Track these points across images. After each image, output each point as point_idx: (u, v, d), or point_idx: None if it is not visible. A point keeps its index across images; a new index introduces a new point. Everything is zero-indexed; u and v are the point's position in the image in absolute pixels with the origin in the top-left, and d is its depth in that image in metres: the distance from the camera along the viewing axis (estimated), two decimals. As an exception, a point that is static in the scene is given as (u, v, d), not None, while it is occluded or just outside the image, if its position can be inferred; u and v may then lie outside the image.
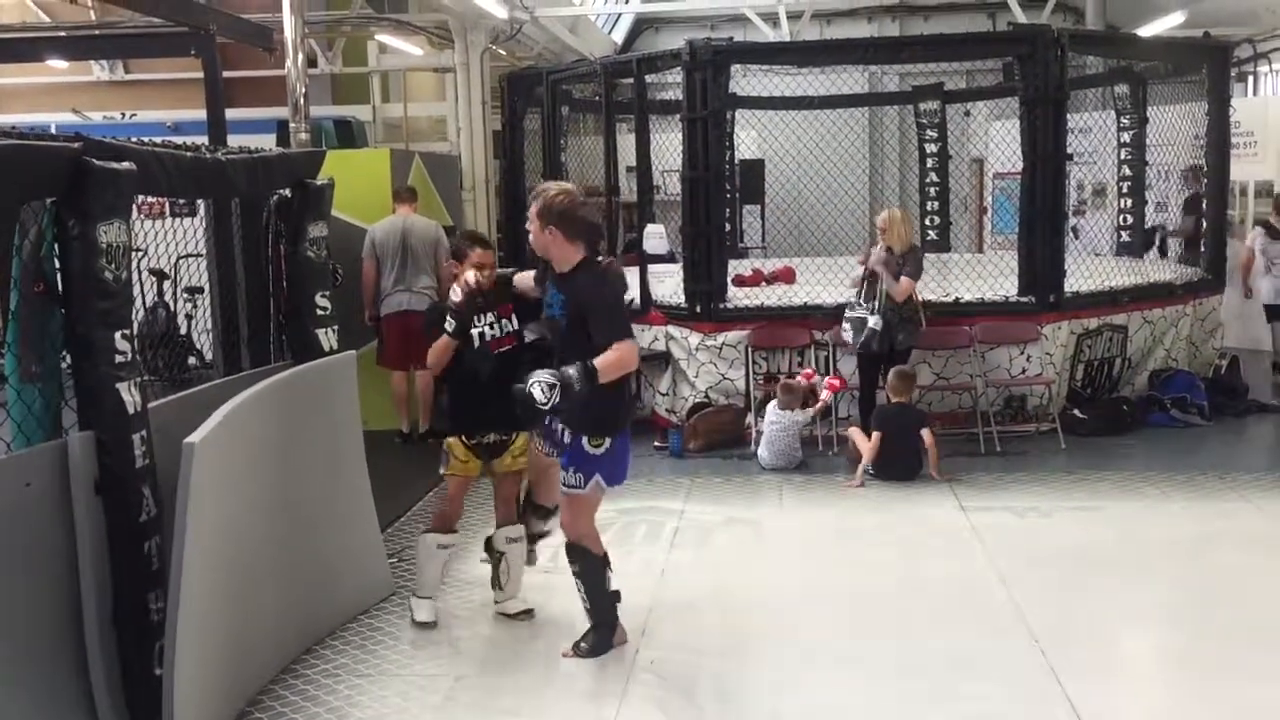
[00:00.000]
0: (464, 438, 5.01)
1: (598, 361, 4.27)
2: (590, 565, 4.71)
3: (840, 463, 7.84)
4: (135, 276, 10.33)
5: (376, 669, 4.68)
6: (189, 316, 11.56)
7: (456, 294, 4.83)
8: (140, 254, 10.43)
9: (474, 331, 4.90)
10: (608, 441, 4.56)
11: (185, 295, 11.24)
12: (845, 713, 4.20)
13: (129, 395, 3.72)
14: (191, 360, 11.65)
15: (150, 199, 13.19)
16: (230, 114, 8.90)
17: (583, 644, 4.73)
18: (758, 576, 5.71)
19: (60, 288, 3.63)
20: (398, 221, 8.76)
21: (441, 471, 5.09)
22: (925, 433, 7.33)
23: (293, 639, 4.76)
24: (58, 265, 3.62)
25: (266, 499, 4.42)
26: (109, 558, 3.66)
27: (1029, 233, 8.65)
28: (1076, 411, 8.59)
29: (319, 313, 5.31)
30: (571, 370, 4.24)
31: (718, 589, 5.53)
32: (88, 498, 3.60)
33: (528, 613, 5.15)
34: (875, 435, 7.34)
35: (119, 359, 3.70)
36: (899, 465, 7.38)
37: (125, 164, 3.72)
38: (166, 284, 11.45)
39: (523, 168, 10.96)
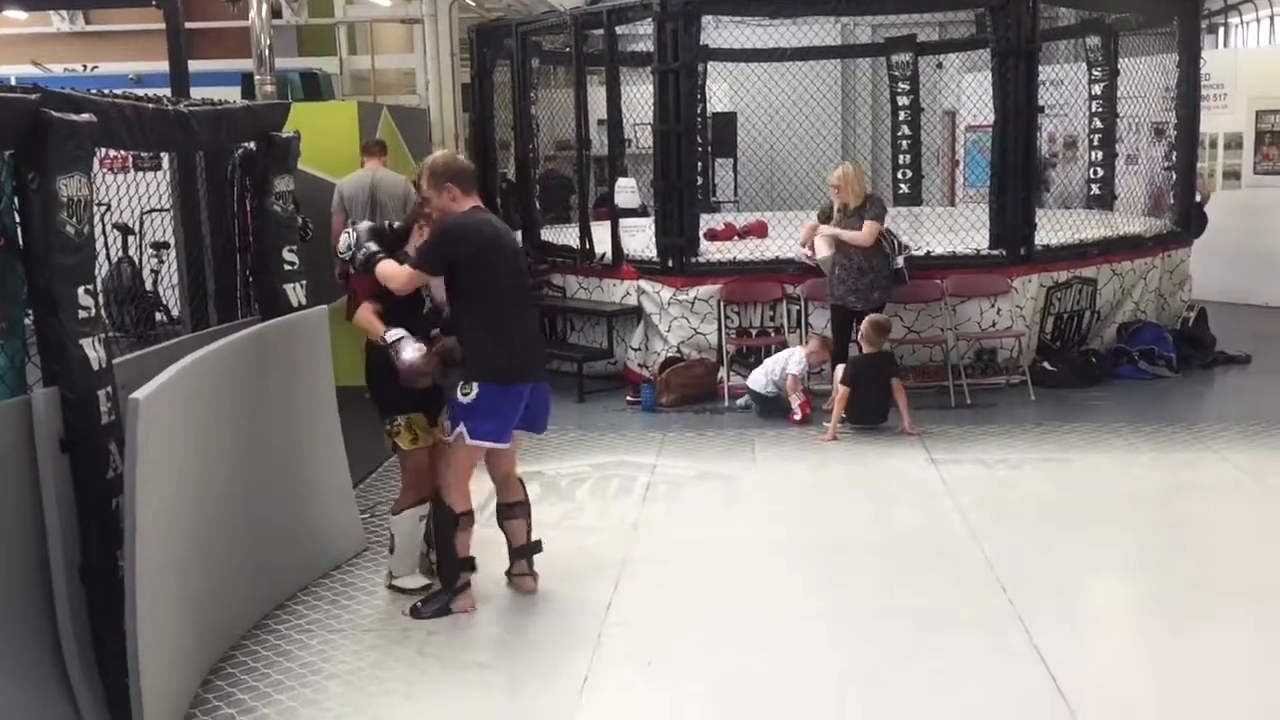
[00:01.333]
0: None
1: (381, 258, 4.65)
2: (443, 519, 4.67)
3: (814, 417, 7.86)
4: (99, 231, 10.22)
5: (349, 624, 4.68)
6: (155, 272, 11.45)
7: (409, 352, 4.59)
8: (104, 209, 10.32)
9: None
10: (475, 389, 4.52)
11: (151, 251, 11.14)
12: (816, 666, 4.23)
13: (93, 351, 3.66)
14: (159, 316, 11.57)
15: (113, 153, 12.99)
16: (194, 66, 8.73)
17: (419, 604, 4.73)
18: (729, 531, 5.73)
19: (21, 242, 3.56)
20: (366, 175, 8.67)
21: (406, 447, 4.82)
22: (895, 383, 7.37)
23: (265, 594, 4.75)
24: (18, 219, 3.54)
25: (231, 455, 4.38)
26: (76, 514, 3.62)
27: (1000, 186, 8.65)
28: (1046, 364, 8.65)
29: (286, 267, 5.25)
30: (369, 244, 4.68)
31: (690, 543, 5.55)
32: (53, 454, 3.55)
33: (427, 587, 4.90)
34: (844, 390, 7.36)
35: (82, 314, 3.64)
36: (871, 410, 7.43)
37: (85, 116, 3.64)
38: (131, 239, 11.34)
39: (492, 121, 10.84)
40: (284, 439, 4.92)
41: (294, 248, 5.30)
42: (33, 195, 3.52)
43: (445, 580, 4.74)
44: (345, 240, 4.84)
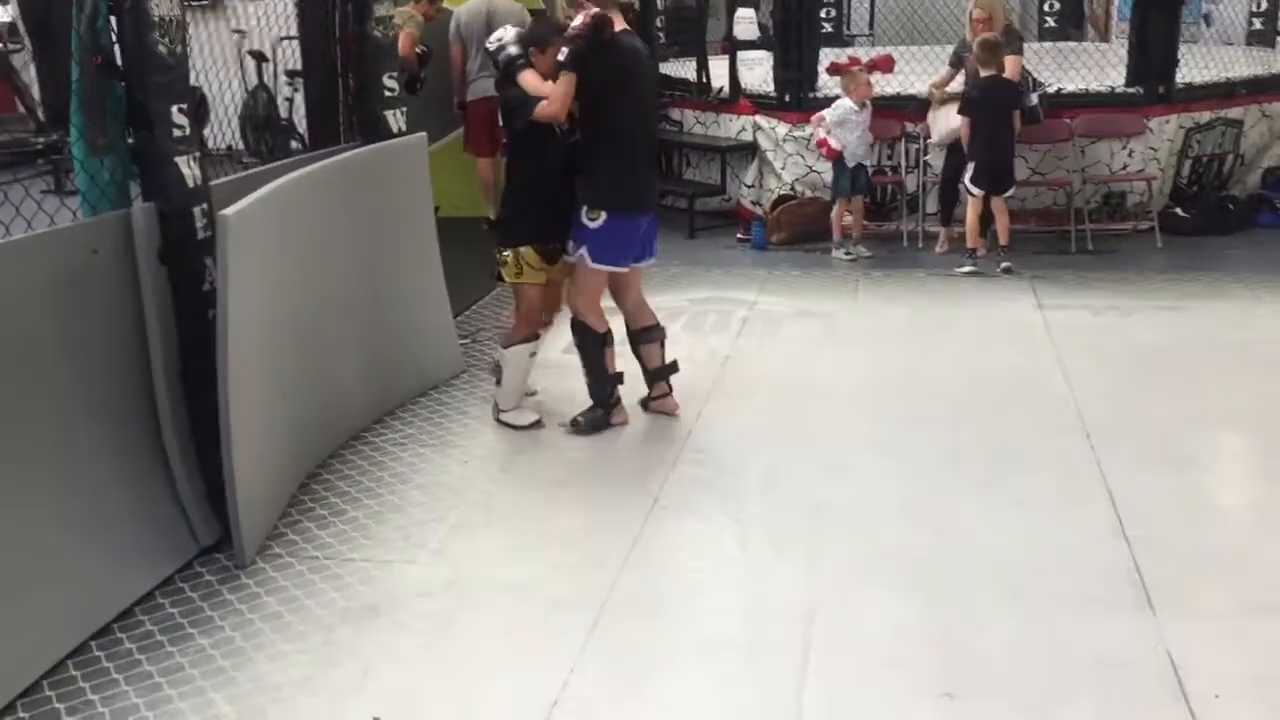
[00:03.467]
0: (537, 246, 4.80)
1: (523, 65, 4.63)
2: (586, 341, 4.83)
3: (925, 258, 7.74)
4: (235, 58, 10.31)
5: (441, 440, 4.91)
6: (289, 100, 11.73)
7: (577, 21, 4.54)
8: (240, 36, 10.54)
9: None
10: (603, 216, 4.65)
11: (286, 79, 11.39)
12: (881, 494, 4.29)
13: (188, 169, 3.84)
14: (294, 144, 11.91)
15: (249, -20, 12.97)
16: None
17: (580, 418, 4.89)
18: (820, 367, 5.76)
19: (118, 61, 3.72)
20: (481, 5, 8.63)
21: (511, 280, 4.87)
22: (997, 204, 7.20)
23: (363, 408, 5.01)
24: (114, 39, 3.70)
25: (327, 274, 4.58)
26: (175, 322, 3.86)
27: (1141, 19, 8.15)
28: (1179, 210, 8.26)
29: (386, 94, 5.34)
30: (512, 47, 4.65)
31: (775, 377, 5.60)
32: (152, 265, 3.78)
33: (537, 423, 4.98)
34: (965, 120, 7.23)
35: (177, 132, 3.81)
36: (995, 153, 7.24)
37: (176, -65, 3.74)
38: (266, 67, 11.60)
39: (617, -52, 10.59)
40: (382, 261, 5.10)
41: (394, 74, 5.38)
42: (126, 15, 3.65)
43: (597, 397, 4.91)
44: (499, 34, 4.77)
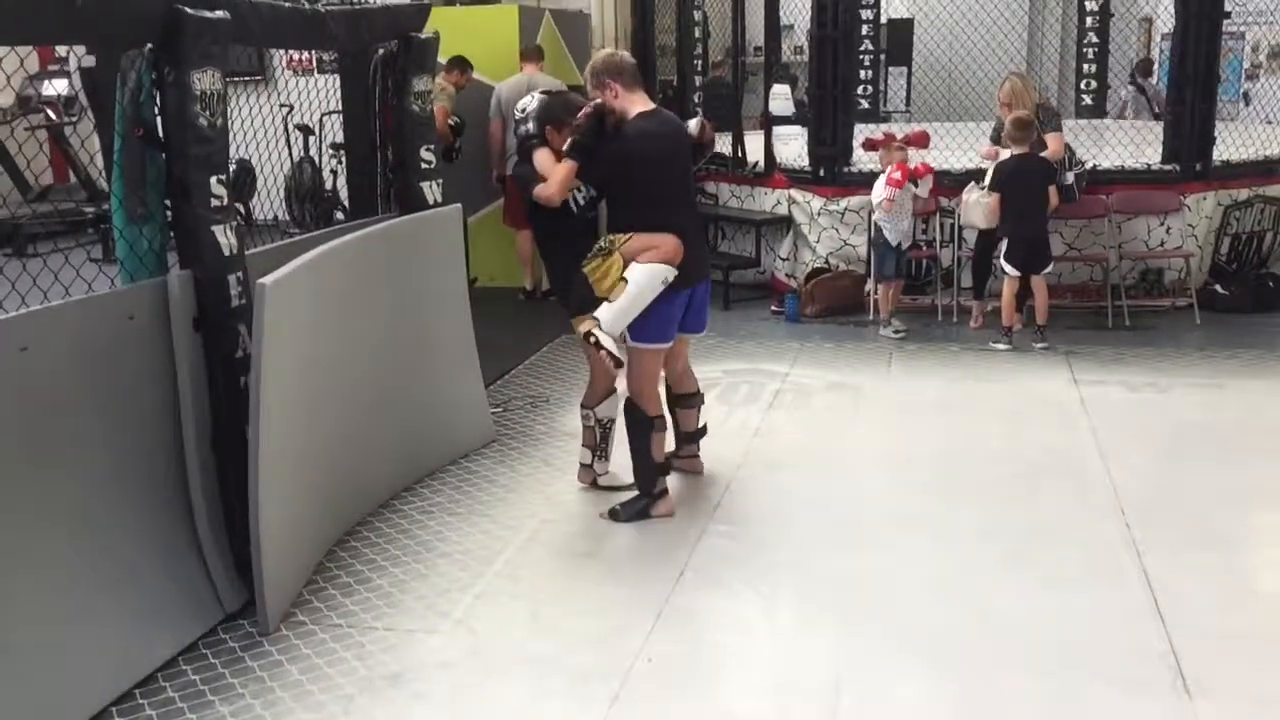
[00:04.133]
0: None
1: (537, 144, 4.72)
2: (637, 424, 4.73)
3: (958, 332, 7.70)
4: (281, 131, 10.48)
5: (468, 509, 4.91)
6: (334, 172, 11.96)
7: (581, 113, 4.57)
8: (288, 110, 10.78)
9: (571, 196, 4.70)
10: None
11: (331, 151, 11.64)
12: (910, 569, 4.23)
13: (224, 238, 3.92)
14: (338, 214, 12.12)
15: (297, 55, 13.40)
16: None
17: (619, 508, 4.79)
18: (851, 440, 5.72)
19: (159, 133, 3.82)
20: (523, 80, 8.80)
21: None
22: (1037, 281, 7.16)
23: (392, 477, 5.02)
24: (156, 111, 3.80)
25: (361, 343, 4.62)
26: (208, 390, 3.91)
27: (1177, 96, 8.16)
28: (1218, 287, 8.21)
29: (423, 166, 5.44)
30: (530, 124, 4.74)
31: (806, 449, 5.57)
32: (187, 333, 3.84)
33: (627, 487, 4.92)
34: (994, 196, 7.21)
35: (214, 202, 3.89)
36: (1025, 243, 7.20)
37: (219, 13, 3.85)
38: (312, 140, 11.86)
39: (653, 26, 10.79)
40: (415, 331, 5.15)
41: (431, 147, 5.48)
42: (169, 88, 3.76)
43: (643, 485, 4.79)
44: (522, 104, 4.81)
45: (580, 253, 4.60)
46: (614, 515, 4.78)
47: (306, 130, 11.61)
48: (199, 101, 3.80)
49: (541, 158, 4.67)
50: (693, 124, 4.88)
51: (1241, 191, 8.36)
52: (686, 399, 5.14)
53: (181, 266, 3.89)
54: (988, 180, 7.42)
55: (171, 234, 3.91)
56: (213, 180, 3.88)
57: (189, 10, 3.72)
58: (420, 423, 5.20)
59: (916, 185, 7.62)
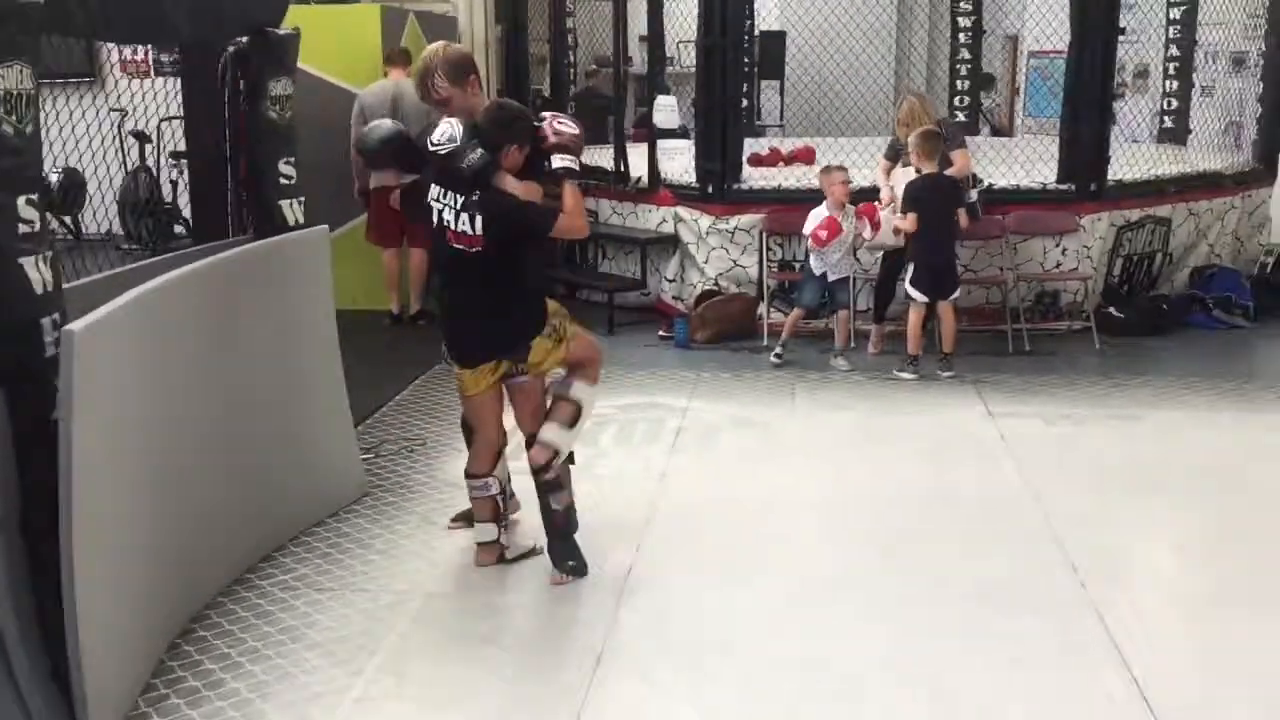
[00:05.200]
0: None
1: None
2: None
3: (860, 360, 7.29)
4: (114, 138, 9.48)
5: (340, 581, 4.21)
6: (174, 183, 11.00)
7: (561, 126, 3.99)
8: (122, 114, 9.78)
9: (432, 204, 4.02)
10: None
11: (170, 160, 10.67)
12: (859, 647, 3.72)
13: (36, 272, 3.15)
14: (178, 229, 11.14)
15: (132, 56, 12.34)
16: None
17: (570, 563, 4.23)
18: (765, 486, 5.20)
19: (-51, 142, 3.04)
20: (389, 86, 8.09)
21: (569, 338, 4.17)
22: (943, 307, 6.81)
23: (247, 546, 4.29)
24: (-55, 115, 3.02)
25: (205, 393, 3.88)
26: (13, 460, 3.14)
27: (1073, 115, 7.95)
28: (1112, 310, 8.01)
29: (283, 181, 4.71)
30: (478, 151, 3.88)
31: (720, 499, 5.03)
32: (-14, 391, 3.07)
33: (533, 552, 4.37)
34: (910, 215, 6.76)
35: (23, 228, 3.12)
36: (934, 268, 6.82)
37: (28, -6, 3.10)
38: (149, 148, 10.91)
39: (526, 33, 10.18)
40: (273, 373, 4.41)
41: (291, 160, 4.76)
42: (-39, 88, 2.99)
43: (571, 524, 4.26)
44: (444, 131, 3.92)
45: None
46: (570, 570, 4.19)
47: (143, 137, 10.66)
48: (1, 104, 3.04)
49: (514, 185, 3.96)
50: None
51: (1134, 212, 8.20)
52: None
53: (-21, 308, 3.12)
54: (894, 199, 7.03)
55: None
56: (20, 201, 3.11)
57: (-14, -11, 2.96)
58: (282, 478, 4.47)
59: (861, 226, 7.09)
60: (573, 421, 4.14)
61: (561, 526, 4.22)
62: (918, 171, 6.94)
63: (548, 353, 4.09)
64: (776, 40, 13.91)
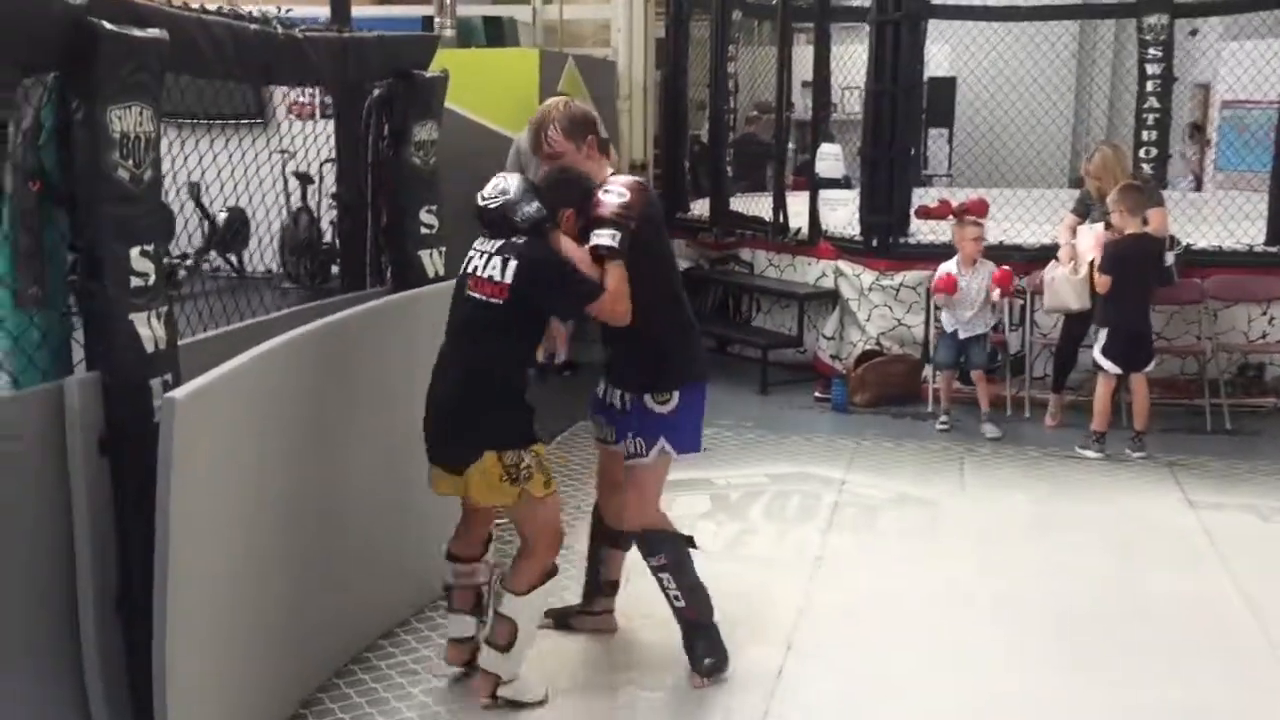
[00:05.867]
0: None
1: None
2: (678, 551, 3.76)
3: (1033, 432, 6.68)
4: (278, 178, 9.48)
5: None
6: (334, 224, 11.07)
7: (606, 196, 3.53)
8: (288, 156, 9.90)
9: (470, 253, 3.59)
10: (675, 397, 3.65)
11: (330, 202, 10.74)
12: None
13: (148, 329, 2.92)
14: (335, 270, 11.19)
15: (299, 98, 12.51)
16: (374, 12, 8.18)
17: (707, 661, 3.77)
18: (931, 578, 4.66)
19: (63, 187, 2.83)
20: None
21: (541, 494, 3.52)
22: (1137, 380, 6.18)
23: (359, 632, 3.96)
24: (59, 159, 2.82)
25: (320, 465, 3.56)
26: (115, 532, 2.90)
27: (1282, 170, 7.20)
28: (1327, 385, 7.19)
29: (423, 231, 4.45)
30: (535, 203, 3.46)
31: (881, 593, 4.52)
32: (88, 456, 2.82)
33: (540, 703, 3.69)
34: (1105, 278, 6.16)
35: (135, 281, 2.90)
36: (1130, 336, 6.20)
37: (152, 31, 2.89)
38: (311, 189, 11.04)
39: (685, 78, 9.89)
40: (392, 438, 4.05)
41: (433, 208, 4.50)
42: (77, 129, 2.78)
43: (707, 614, 3.79)
44: (497, 185, 3.53)
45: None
46: (707, 672, 3.76)
47: (305, 178, 10.75)
48: (118, 148, 2.82)
49: (570, 247, 3.50)
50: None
51: (1353, 278, 7.37)
52: (622, 536, 3.95)
53: (88, 367, 2.89)
54: (1076, 257, 6.44)
55: (77, 324, 2.91)
56: (134, 252, 2.89)
57: (107, 26, 2.75)
58: (395, 561, 4.13)
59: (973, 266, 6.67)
60: (509, 643, 3.55)
61: (692, 618, 3.78)
62: (1107, 227, 6.33)
63: (491, 488, 3.46)
64: (946, 86, 13.33)
